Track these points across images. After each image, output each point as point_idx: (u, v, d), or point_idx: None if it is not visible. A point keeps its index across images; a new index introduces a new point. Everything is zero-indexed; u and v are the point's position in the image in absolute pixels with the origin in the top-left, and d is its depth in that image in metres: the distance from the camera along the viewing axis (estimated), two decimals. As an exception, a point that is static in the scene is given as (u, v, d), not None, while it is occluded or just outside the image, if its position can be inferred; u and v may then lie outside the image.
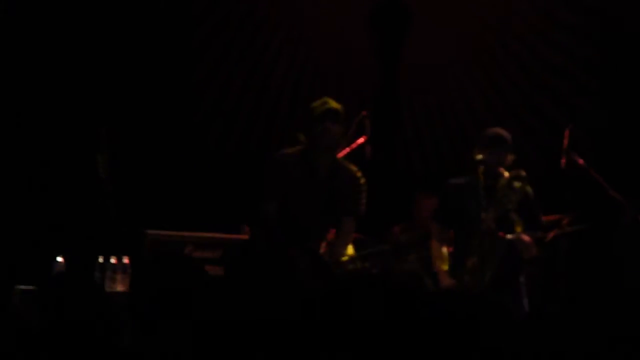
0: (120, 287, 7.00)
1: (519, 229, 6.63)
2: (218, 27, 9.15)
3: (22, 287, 6.42)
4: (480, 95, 9.23)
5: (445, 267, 6.82)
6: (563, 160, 7.23)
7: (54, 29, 8.51)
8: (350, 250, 7.09)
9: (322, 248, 6.65)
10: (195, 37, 9.10)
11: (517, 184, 6.62)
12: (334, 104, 6.48)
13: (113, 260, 6.96)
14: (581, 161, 7.26)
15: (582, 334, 3.58)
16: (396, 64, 9.27)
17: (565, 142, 7.23)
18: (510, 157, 6.73)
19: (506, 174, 6.66)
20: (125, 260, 7.05)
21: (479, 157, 6.66)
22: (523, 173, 6.65)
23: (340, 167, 6.60)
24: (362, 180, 6.60)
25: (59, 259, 6.89)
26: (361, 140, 7.26)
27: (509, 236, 6.65)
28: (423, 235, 7.38)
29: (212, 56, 9.14)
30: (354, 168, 6.63)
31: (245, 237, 7.45)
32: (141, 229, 7.25)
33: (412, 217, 8.17)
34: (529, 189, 6.68)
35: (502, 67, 9.24)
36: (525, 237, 6.65)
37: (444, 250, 6.88)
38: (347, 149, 7.13)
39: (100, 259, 6.78)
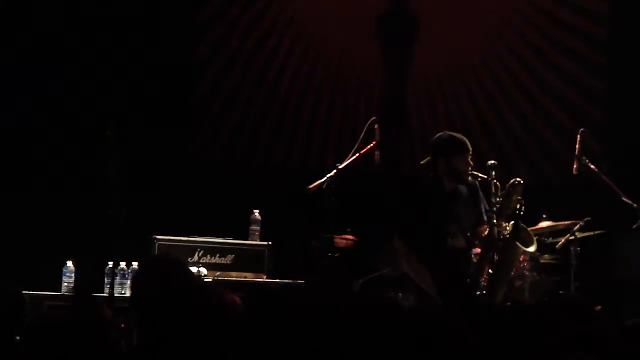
0: (130, 293, 6.97)
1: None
2: (224, 36, 9.11)
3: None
4: (489, 101, 9.20)
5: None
6: (575, 166, 7.17)
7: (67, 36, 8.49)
8: None
9: None
10: (201, 46, 9.06)
11: (515, 194, 6.45)
12: None
13: (123, 266, 6.93)
14: (593, 167, 7.20)
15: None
16: (405, 70, 9.25)
17: (577, 147, 7.18)
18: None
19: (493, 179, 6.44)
20: (135, 265, 7.02)
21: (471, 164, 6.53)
22: (521, 181, 6.50)
23: None
24: None
25: (69, 263, 6.86)
26: (371, 145, 7.21)
27: (531, 249, 6.54)
28: None
29: (219, 64, 9.09)
30: None
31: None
32: (151, 234, 7.24)
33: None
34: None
35: (511, 73, 9.21)
36: None
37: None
38: (357, 155, 7.10)
39: (110, 264, 6.75)
